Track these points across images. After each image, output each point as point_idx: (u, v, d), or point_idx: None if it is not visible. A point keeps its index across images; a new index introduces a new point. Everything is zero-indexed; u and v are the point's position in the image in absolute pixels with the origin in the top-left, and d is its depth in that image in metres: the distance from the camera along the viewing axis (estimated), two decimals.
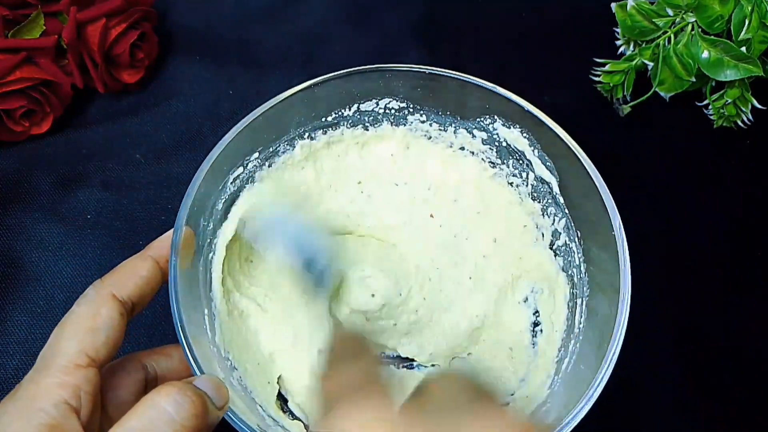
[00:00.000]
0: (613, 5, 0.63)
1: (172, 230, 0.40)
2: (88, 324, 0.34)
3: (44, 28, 0.58)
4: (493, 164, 0.52)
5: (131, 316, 0.37)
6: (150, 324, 0.52)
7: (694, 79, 0.59)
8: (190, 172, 0.59)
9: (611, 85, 0.63)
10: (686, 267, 0.56)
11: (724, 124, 0.62)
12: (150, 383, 0.39)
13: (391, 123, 0.52)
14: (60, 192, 0.58)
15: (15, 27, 0.57)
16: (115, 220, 0.57)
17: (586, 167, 0.44)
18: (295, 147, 0.50)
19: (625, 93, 0.63)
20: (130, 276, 0.37)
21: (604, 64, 0.63)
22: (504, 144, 0.50)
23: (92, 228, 0.56)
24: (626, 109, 0.63)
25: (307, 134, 0.51)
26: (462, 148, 0.53)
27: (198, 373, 0.36)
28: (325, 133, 0.51)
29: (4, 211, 0.57)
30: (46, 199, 0.58)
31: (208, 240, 0.46)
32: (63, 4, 0.58)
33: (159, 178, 0.60)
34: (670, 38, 0.60)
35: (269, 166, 0.50)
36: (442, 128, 0.52)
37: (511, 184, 0.52)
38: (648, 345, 0.51)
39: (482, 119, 0.50)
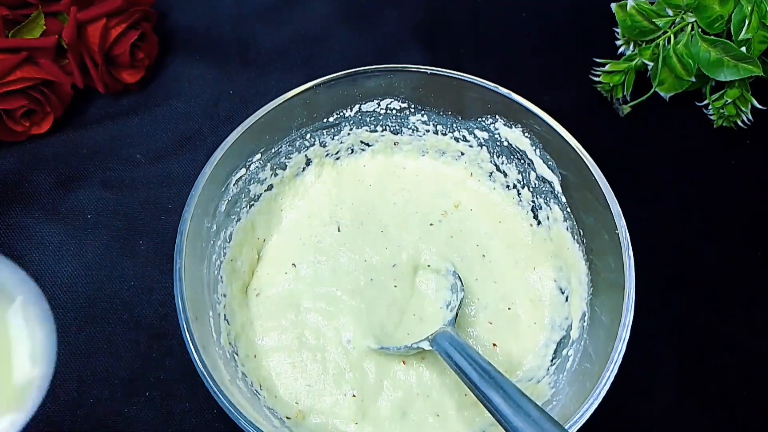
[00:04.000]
0: (613, 5, 0.63)
1: None
2: None
3: (44, 28, 0.58)
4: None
5: None
6: (150, 324, 0.51)
7: (694, 79, 0.60)
8: (190, 172, 0.60)
9: (611, 85, 0.63)
10: (686, 266, 0.56)
11: (724, 124, 0.62)
12: None
13: (392, 131, 0.53)
14: (60, 192, 0.58)
15: (15, 27, 0.57)
16: (115, 220, 0.57)
17: (589, 166, 0.44)
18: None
19: (625, 93, 0.63)
20: None
21: (604, 64, 0.63)
22: (505, 144, 0.50)
23: (92, 228, 0.56)
24: (626, 109, 0.63)
25: (316, 141, 0.51)
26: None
27: (204, 374, 0.36)
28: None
29: (4, 211, 0.57)
30: (46, 199, 0.58)
31: (212, 242, 0.45)
32: (63, 4, 0.58)
33: (159, 178, 0.59)
34: (670, 38, 0.60)
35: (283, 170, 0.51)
36: (444, 129, 0.52)
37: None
38: (650, 343, 0.51)
39: (483, 119, 0.50)
